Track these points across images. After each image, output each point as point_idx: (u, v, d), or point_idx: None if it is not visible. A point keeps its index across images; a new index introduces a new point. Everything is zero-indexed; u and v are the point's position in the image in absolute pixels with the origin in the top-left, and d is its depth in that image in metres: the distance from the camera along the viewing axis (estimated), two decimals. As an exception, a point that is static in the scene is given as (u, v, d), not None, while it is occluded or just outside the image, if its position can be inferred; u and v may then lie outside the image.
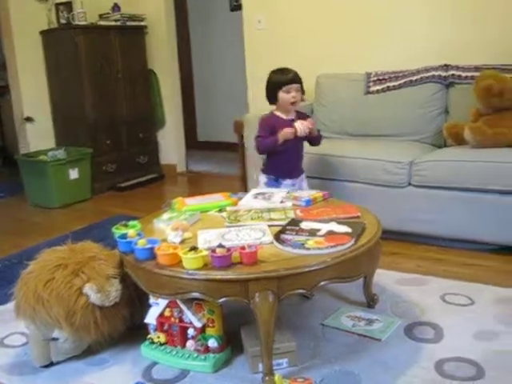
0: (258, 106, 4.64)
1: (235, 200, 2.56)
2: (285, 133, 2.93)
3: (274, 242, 2.01)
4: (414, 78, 3.80)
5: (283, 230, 2.10)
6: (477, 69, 3.55)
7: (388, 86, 3.88)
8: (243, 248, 1.86)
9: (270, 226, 2.18)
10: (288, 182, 3.07)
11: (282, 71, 3.02)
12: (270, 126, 3.02)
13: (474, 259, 3.00)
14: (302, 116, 3.09)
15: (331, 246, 1.93)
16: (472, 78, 3.52)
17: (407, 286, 2.70)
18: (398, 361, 2.06)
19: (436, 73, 3.73)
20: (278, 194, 2.61)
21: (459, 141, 3.40)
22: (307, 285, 1.88)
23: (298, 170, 3.15)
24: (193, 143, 6.71)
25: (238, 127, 4.06)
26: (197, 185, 5.43)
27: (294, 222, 2.18)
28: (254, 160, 3.75)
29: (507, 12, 3.65)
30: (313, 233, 2.06)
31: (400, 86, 3.84)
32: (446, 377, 1.94)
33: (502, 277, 2.76)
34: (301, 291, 1.88)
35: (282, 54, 4.57)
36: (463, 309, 2.44)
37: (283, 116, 3.05)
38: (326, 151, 3.47)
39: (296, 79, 2.98)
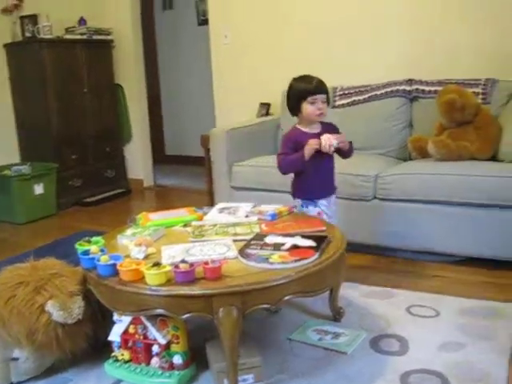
0: (225, 119, 4.67)
1: (200, 215, 2.54)
2: (310, 145, 2.60)
3: (239, 257, 2.00)
4: (379, 92, 3.85)
5: (248, 245, 2.09)
6: (440, 83, 3.62)
7: (354, 100, 3.93)
8: (207, 263, 1.85)
9: (234, 240, 2.17)
10: (324, 202, 2.74)
11: (305, 79, 2.69)
12: (293, 141, 2.69)
13: (439, 271, 3.03)
14: (328, 128, 2.74)
15: (295, 260, 1.93)
16: (435, 92, 3.58)
17: (373, 298, 2.71)
18: (364, 374, 2.06)
19: (400, 87, 3.79)
20: (244, 208, 2.60)
21: (423, 154, 3.45)
22: (271, 299, 1.87)
23: (331, 188, 2.82)
24: (161, 157, 6.69)
25: (205, 141, 4.06)
26: (164, 199, 5.40)
27: (259, 237, 2.18)
28: (220, 174, 3.75)
29: (471, 27, 3.75)
30: (277, 247, 2.06)
31: (365, 100, 3.88)
32: (412, 389, 1.95)
33: (467, 288, 2.79)
34: (265, 306, 1.87)
35: (248, 69, 4.61)
36: (429, 320, 2.46)
37: (307, 130, 2.72)
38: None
39: (322, 88, 2.66)
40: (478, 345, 2.21)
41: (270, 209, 2.54)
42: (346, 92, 3.96)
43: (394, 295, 2.74)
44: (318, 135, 2.65)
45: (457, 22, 3.79)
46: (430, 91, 3.68)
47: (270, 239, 2.14)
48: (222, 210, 2.60)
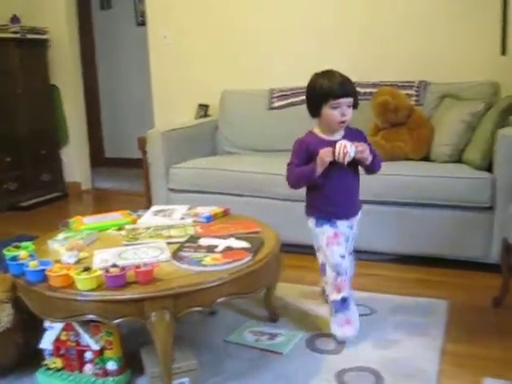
0: (165, 121, 4.63)
1: (134, 218, 2.51)
2: (321, 156, 2.15)
3: (172, 260, 1.98)
4: (316, 93, 3.88)
5: (181, 247, 2.08)
6: (374, 85, 3.69)
7: (292, 102, 3.95)
8: (138, 267, 1.82)
9: (169, 243, 2.15)
10: (344, 223, 2.31)
11: (328, 76, 2.18)
12: (305, 150, 2.24)
13: (374, 269, 3.09)
14: (353, 135, 2.26)
15: (228, 262, 1.93)
16: (370, 94, 3.64)
17: (310, 298, 2.72)
18: (300, 374, 2.07)
19: (336, 89, 3.82)
20: (179, 210, 2.58)
21: (359, 155, 3.50)
22: (204, 302, 1.86)
23: (354, 207, 2.37)
24: (100, 160, 6.57)
25: (142, 143, 4.02)
26: (102, 203, 5.31)
27: (193, 239, 2.17)
28: (158, 176, 3.71)
29: (404, 31, 3.84)
30: (211, 249, 2.05)
31: (302, 102, 3.83)
32: (347, 387, 1.98)
33: (401, 285, 2.86)
34: (198, 309, 1.87)
35: (188, 70, 4.57)
36: (364, 319, 2.48)
37: (325, 136, 2.26)
38: (228, 166, 3.50)
39: (348, 91, 2.17)
40: (411, 341, 2.27)
41: (205, 211, 2.53)
42: (284, 93, 3.98)
43: (330, 294, 2.77)
44: (335, 143, 2.17)
45: (391, 26, 3.88)
46: (365, 93, 3.74)
47: (203, 241, 2.14)
48: (157, 213, 2.58)
